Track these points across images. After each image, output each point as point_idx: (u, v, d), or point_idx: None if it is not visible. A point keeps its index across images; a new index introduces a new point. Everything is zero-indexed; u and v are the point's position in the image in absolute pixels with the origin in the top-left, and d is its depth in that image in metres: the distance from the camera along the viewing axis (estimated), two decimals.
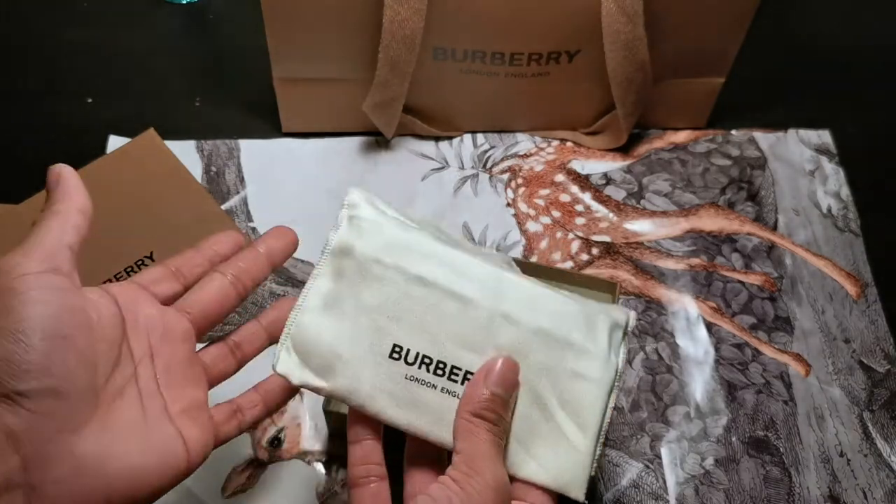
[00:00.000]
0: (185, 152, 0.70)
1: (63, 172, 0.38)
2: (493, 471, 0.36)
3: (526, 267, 0.53)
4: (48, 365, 0.32)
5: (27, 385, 0.32)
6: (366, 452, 0.40)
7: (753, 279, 0.66)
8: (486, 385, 0.38)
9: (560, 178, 0.71)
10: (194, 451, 0.39)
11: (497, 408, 0.38)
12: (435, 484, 0.36)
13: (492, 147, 0.72)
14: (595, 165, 0.72)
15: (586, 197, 0.70)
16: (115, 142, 0.70)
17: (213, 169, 0.70)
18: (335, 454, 0.57)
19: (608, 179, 0.71)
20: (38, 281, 0.34)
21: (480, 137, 0.73)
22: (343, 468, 0.57)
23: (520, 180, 0.71)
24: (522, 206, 0.69)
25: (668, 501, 0.56)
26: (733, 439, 0.59)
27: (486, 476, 0.36)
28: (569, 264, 0.66)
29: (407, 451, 0.41)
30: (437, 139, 0.72)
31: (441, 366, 0.39)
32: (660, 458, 0.58)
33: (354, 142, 0.72)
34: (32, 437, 0.32)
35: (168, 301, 0.42)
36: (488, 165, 0.71)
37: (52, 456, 0.32)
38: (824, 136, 0.75)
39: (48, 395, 0.32)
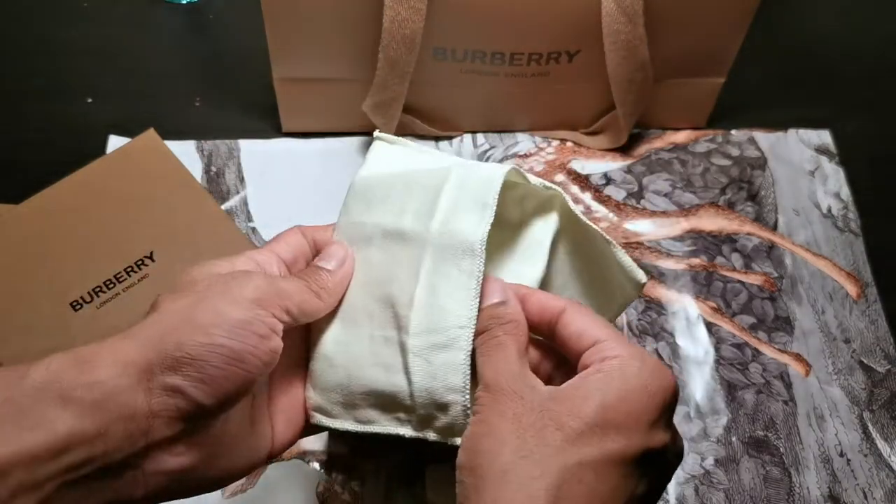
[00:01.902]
0: (185, 152, 0.70)
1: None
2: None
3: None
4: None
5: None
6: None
7: (753, 279, 0.67)
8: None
9: (560, 178, 0.71)
10: (278, 447, 0.40)
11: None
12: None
13: (492, 147, 0.72)
14: (595, 165, 0.72)
15: (586, 197, 0.70)
16: (115, 142, 0.70)
17: (213, 169, 0.70)
18: (335, 454, 0.57)
19: (608, 179, 0.71)
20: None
21: (480, 137, 0.73)
22: (343, 468, 0.57)
23: None
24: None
25: (667, 501, 0.56)
26: (733, 439, 0.59)
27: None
28: None
29: None
30: (437, 139, 0.72)
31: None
32: None
33: (354, 142, 0.72)
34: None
35: None
36: None
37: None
38: (824, 136, 0.75)
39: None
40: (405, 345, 0.39)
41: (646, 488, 0.34)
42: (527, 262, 0.44)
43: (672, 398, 0.35)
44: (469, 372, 0.38)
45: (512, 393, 0.34)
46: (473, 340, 0.38)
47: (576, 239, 0.46)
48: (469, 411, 0.37)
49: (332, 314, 0.41)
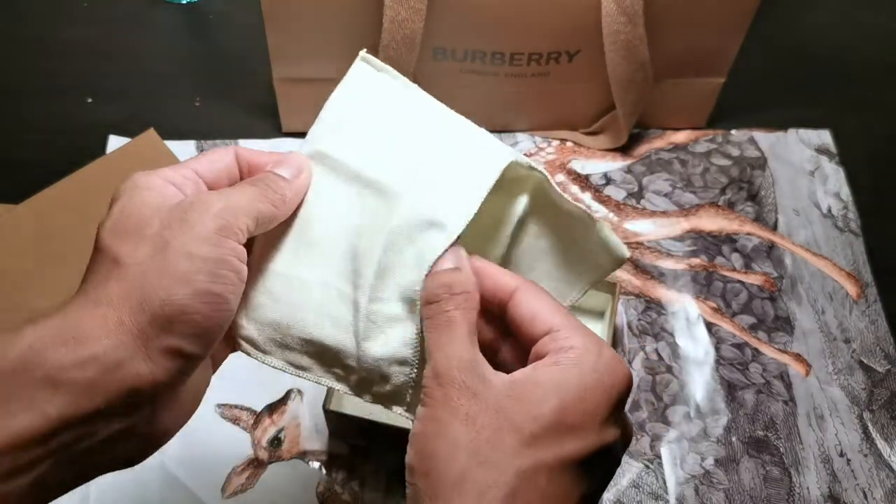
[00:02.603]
0: (185, 152, 0.70)
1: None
2: None
3: None
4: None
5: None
6: None
7: (753, 279, 0.66)
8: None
9: (560, 178, 0.71)
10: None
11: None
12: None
13: None
14: (595, 165, 0.72)
15: (586, 197, 0.70)
16: (115, 142, 0.70)
17: None
18: (335, 454, 0.57)
19: (608, 179, 0.71)
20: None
21: None
22: (343, 468, 0.57)
23: None
24: None
25: (668, 501, 0.56)
26: (733, 439, 0.59)
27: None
28: None
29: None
30: None
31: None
32: (660, 458, 0.58)
33: None
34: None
35: None
36: None
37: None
38: (824, 136, 0.75)
39: None
40: (359, 305, 0.37)
41: (596, 484, 0.34)
42: (489, 241, 0.41)
43: (626, 391, 0.34)
44: (419, 347, 0.37)
45: (464, 387, 0.32)
46: (422, 309, 0.36)
47: (548, 220, 0.43)
48: (412, 383, 0.37)
49: (280, 238, 0.38)
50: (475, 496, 0.31)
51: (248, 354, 0.39)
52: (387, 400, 0.38)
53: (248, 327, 0.38)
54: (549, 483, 0.31)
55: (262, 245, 0.38)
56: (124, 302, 0.31)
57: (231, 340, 0.39)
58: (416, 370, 0.37)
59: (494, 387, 0.33)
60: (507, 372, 0.34)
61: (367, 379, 0.38)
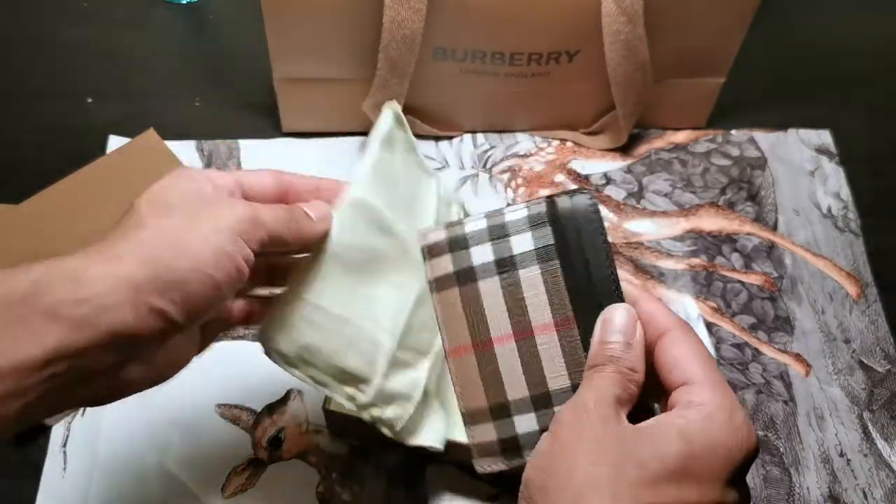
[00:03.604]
0: (185, 152, 0.70)
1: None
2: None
3: None
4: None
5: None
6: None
7: (753, 279, 0.66)
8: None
9: (560, 178, 0.71)
10: (204, 345, 0.44)
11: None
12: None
13: (492, 147, 0.72)
14: (595, 165, 0.72)
15: None
16: (115, 142, 0.70)
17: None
18: (335, 454, 0.57)
19: (608, 179, 0.71)
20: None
21: (480, 137, 0.73)
22: (343, 468, 0.57)
23: (520, 180, 0.71)
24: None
25: None
26: None
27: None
28: None
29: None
30: (437, 139, 0.72)
31: None
32: None
33: (354, 142, 0.72)
34: None
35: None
36: (488, 165, 0.71)
37: None
38: (824, 136, 0.75)
39: None
40: (386, 349, 0.45)
41: None
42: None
43: (751, 457, 0.34)
44: (422, 388, 0.46)
45: (596, 416, 0.33)
46: (584, 373, 0.37)
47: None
48: (407, 416, 0.45)
49: (322, 273, 0.43)
50: None
51: (277, 364, 0.44)
52: (381, 423, 0.45)
53: (282, 343, 0.43)
54: None
55: (303, 274, 0.43)
56: (131, 257, 0.34)
57: (218, 328, 0.44)
58: (414, 407, 0.45)
59: (623, 423, 0.34)
60: None
61: (371, 403, 0.45)
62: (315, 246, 0.43)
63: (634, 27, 0.61)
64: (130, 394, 0.38)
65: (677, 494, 0.32)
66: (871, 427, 0.60)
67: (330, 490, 0.56)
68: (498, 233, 0.39)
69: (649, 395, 0.36)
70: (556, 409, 0.37)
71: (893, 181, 0.73)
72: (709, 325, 0.64)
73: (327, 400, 0.53)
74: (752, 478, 0.57)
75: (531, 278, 0.38)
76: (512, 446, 0.38)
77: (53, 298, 0.33)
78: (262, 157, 0.71)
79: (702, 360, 0.35)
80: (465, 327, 0.38)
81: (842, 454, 0.59)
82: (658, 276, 0.66)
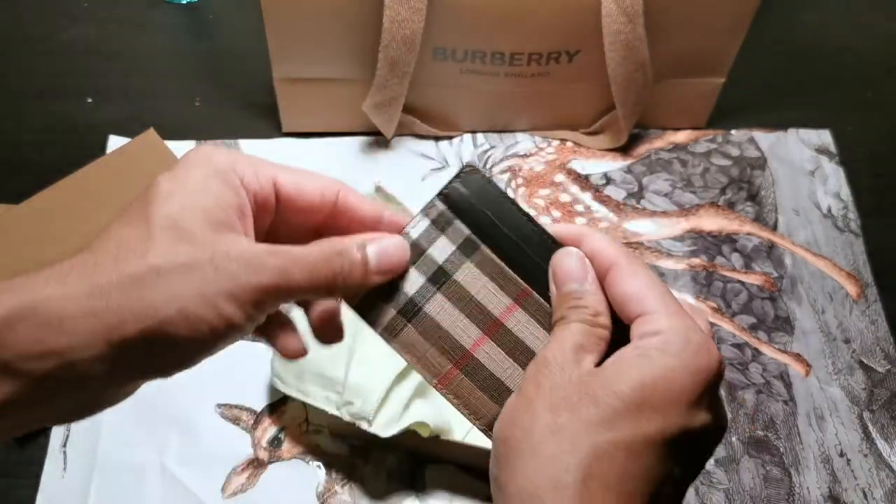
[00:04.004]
0: (185, 152, 0.70)
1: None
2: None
3: None
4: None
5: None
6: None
7: (753, 279, 0.66)
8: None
9: (560, 178, 0.71)
10: None
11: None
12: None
13: (492, 147, 0.72)
14: (595, 165, 0.72)
15: (586, 197, 0.70)
16: (115, 142, 0.70)
17: None
18: (335, 454, 0.57)
19: (608, 179, 0.71)
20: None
21: (480, 137, 0.73)
22: (343, 468, 0.57)
23: (520, 180, 0.71)
24: (522, 206, 0.69)
25: None
26: (733, 439, 0.59)
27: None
28: None
29: None
30: (437, 139, 0.72)
31: None
32: None
33: (354, 142, 0.72)
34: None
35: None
36: (488, 165, 0.71)
37: None
38: (824, 136, 0.75)
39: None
40: (353, 351, 0.54)
41: (682, 469, 0.33)
42: None
43: (716, 378, 0.33)
44: (385, 393, 0.53)
45: (555, 366, 0.33)
46: (552, 326, 0.36)
47: None
48: (375, 406, 0.53)
49: None
50: (546, 461, 0.31)
51: (276, 388, 0.57)
52: (357, 416, 0.53)
53: (277, 367, 0.57)
54: (628, 460, 0.31)
55: None
56: (121, 304, 0.29)
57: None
58: (380, 398, 0.53)
59: (581, 367, 0.33)
60: None
61: (346, 400, 0.54)
62: None
63: (634, 27, 0.61)
64: (98, 412, 0.33)
65: (635, 426, 0.31)
66: (871, 427, 0.60)
67: (330, 490, 0.56)
68: (416, 253, 0.37)
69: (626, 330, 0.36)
70: None
71: (893, 181, 0.73)
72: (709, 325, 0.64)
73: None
74: (753, 478, 0.57)
75: (469, 276, 0.37)
76: None
77: (17, 350, 0.28)
78: (261, 157, 0.71)
79: (654, 290, 0.35)
80: (437, 355, 0.37)
81: (842, 454, 0.59)
82: (658, 276, 0.66)
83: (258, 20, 0.62)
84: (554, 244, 0.37)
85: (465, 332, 0.37)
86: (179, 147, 0.69)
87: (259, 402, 0.59)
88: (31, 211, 0.62)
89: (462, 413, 0.37)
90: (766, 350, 0.63)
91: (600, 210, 0.69)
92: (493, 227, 0.38)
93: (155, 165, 0.66)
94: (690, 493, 0.57)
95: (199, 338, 0.30)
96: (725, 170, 0.72)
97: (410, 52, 0.62)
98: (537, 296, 0.37)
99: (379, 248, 0.35)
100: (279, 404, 0.59)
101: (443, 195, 0.37)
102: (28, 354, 0.28)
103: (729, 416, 0.60)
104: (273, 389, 0.59)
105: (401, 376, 0.55)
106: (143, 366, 0.31)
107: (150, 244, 0.30)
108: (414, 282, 0.37)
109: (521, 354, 0.36)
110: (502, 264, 0.37)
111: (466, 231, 0.37)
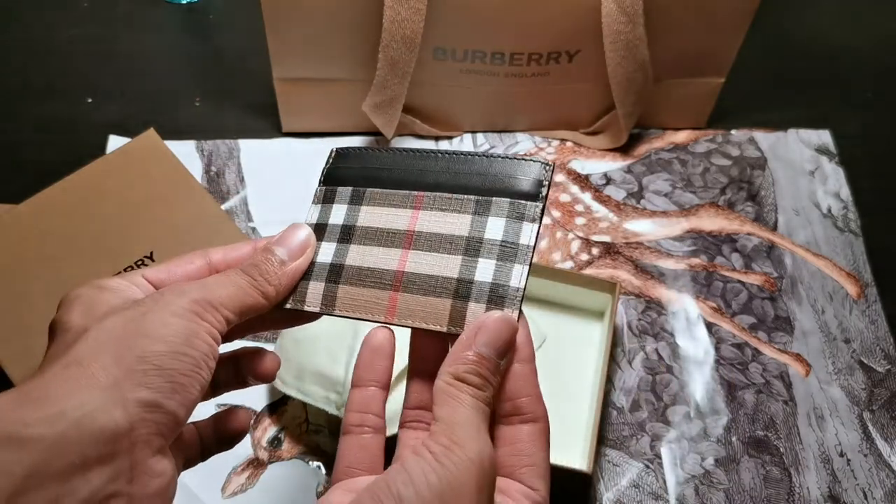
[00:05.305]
0: (185, 152, 0.70)
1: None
2: (476, 443, 0.31)
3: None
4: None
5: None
6: (366, 399, 0.37)
7: (753, 279, 0.66)
8: (475, 344, 0.33)
9: (560, 178, 0.71)
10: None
11: (484, 371, 0.33)
12: (411, 455, 0.31)
13: (492, 147, 0.72)
14: (595, 165, 0.72)
15: (586, 197, 0.70)
16: (115, 142, 0.70)
17: (213, 169, 0.70)
18: (335, 454, 0.57)
19: (608, 179, 0.71)
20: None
21: (480, 137, 0.73)
22: None
23: None
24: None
25: (668, 501, 0.56)
26: (733, 439, 0.59)
27: (467, 449, 0.31)
28: (569, 264, 0.66)
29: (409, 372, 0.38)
30: (437, 139, 0.72)
31: None
32: (660, 457, 0.58)
33: (354, 142, 0.72)
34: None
35: None
36: None
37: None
38: (824, 136, 0.75)
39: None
40: (354, 350, 0.53)
41: None
42: None
43: (480, 486, 0.31)
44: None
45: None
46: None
47: None
48: None
49: None
50: None
51: (275, 385, 0.57)
52: None
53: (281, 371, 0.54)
54: None
55: None
56: (96, 357, 0.30)
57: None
58: None
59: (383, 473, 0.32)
60: None
61: (346, 400, 0.51)
62: None
63: (634, 27, 0.61)
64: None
65: None
66: (871, 427, 0.60)
67: None
68: (319, 231, 0.39)
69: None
70: (485, 237, 0.37)
71: (893, 181, 0.73)
72: (709, 325, 0.64)
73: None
74: (753, 478, 0.57)
75: (368, 217, 0.39)
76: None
77: (13, 422, 0.28)
78: (261, 156, 0.71)
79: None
80: (375, 292, 0.37)
81: (842, 454, 0.59)
82: (658, 276, 0.66)
83: (258, 20, 0.62)
84: (421, 151, 0.40)
85: (387, 258, 0.38)
86: (179, 147, 0.69)
87: (259, 402, 0.59)
88: (31, 211, 0.61)
89: (421, 329, 0.36)
90: (766, 350, 0.63)
91: (600, 210, 0.69)
92: (370, 171, 0.41)
93: (155, 165, 0.66)
94: (690, 493, 0.57)
95: (177, 350, 0.32)
96: (725, 170, 0.72)
97: (410, 52, 0.62)
98: (430, 193, 0.39)
99: (279, 239, 0.38)
100: (279, 404, 0.59)
101: (321, 181, 0.41)
102: (29, 421, 0.28)
103: (729, 415, 0.60)
104: (273, 389, 0.59)
105: (401, 376, 0.55)
106: (155, 400, 0.31)
107: (84, 327, 0.32)
108: (327, 251, 0.39)
109: (443, 243, 0.37)
110: (390, 190, 0.40)
111: (350, 188, 0.40)
